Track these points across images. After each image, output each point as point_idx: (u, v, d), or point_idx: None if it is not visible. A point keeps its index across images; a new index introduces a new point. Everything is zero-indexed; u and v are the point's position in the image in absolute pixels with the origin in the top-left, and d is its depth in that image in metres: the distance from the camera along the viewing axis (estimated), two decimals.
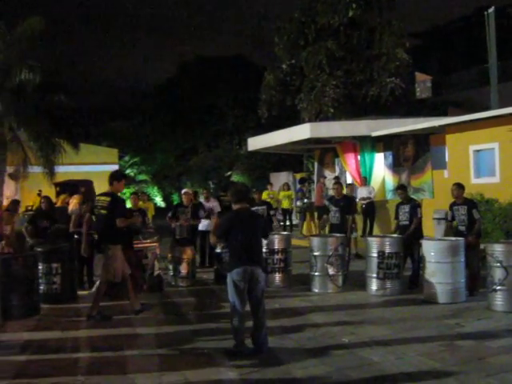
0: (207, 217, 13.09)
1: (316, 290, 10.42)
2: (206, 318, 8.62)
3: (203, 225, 13.50)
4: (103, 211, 8.57)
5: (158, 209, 33.76)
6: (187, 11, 78.49)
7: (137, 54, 71.24)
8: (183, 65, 42.76)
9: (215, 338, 7.42)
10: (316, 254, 10.52)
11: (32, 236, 11.25)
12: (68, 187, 18.73)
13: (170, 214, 12.27)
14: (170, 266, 11.66)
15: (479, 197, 13.06)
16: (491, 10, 19.07)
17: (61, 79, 25.95)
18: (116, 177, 8.84)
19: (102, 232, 8.81)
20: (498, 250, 8.60)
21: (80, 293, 10.59)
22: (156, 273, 10.98)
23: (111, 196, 8.67)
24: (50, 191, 21.43)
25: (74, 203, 12.57)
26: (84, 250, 10.09)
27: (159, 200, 39.97)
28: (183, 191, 12.87)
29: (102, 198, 8.71)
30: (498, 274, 8.51)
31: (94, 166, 27.99)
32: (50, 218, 11.49)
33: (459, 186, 10.10)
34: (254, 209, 10.89)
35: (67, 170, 23.14)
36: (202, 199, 15.03)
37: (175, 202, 22.99)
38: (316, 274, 10.49)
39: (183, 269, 11.45)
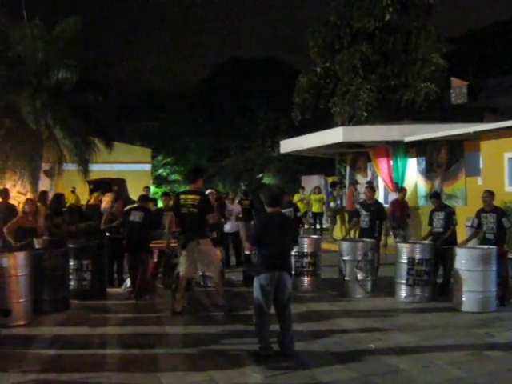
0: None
1: (344, 295, 10.36)
2: (233, 320, 8.64)
3: (231, 227, 13.58)
4: (194, 210, 8.86)
5: None
6: (223, 11, 78.83)
7: (172, 54, 71.82)
8: (217, 66, 42.96)
9: (242, 339, 7.45)
10: (345, 258, 10.48)
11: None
12: (101, 185, 18.93)
13: None
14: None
15: (510, 204, 12.85)
16: None
17: (97, 78, 26.24)
18: (200, 173, 9.27)
19: (194, 229, 8.97)
20: None
21: (109, 290, 10.72)
22: None
23: (200, 194, 9.10)
24: (83, 189, 21.77)
25: (106, 201, 12.72)
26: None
27: None
28: (207, 192, 12.86)
29: (191, 196, 8.95)
30: None
31: (127, 164, 28.22)
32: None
33: (491, 193, 9.97)
34: (283, 211, 10.87)
35: (101, 169, 23.39)
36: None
37: None
38: (345, 278, 10.45)
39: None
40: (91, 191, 20.12)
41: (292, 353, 6.71)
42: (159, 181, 36.86)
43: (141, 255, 10.20)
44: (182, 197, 9.00)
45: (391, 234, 14.60)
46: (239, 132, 37.02)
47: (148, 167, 31.56)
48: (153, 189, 31.05)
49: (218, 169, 36.65)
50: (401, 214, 15.38)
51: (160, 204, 13.61)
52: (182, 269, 8.98)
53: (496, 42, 32.01)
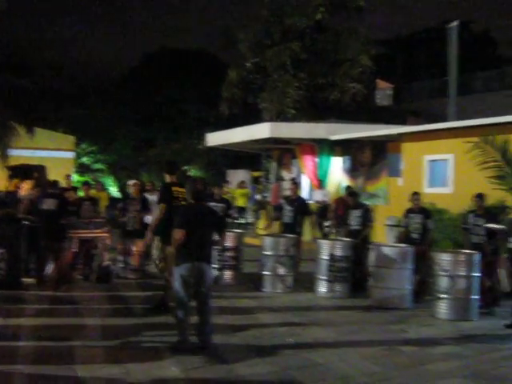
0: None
1: (265, 290, 10.44)
2: (152, 312, 8.52)
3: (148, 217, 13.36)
4: (183, 203, 8.56)
5: (112, 199, 33.31)
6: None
7: (101, 41, 70.17)
8: (147, 55, 42.29)
9: (161, 332, 7.36)
10: (267, 253, 10.55)
11: None
12: (21, 171, 18.30)
13: (120, 205, 12.11)
14: (120, 258, 11.52)
15: (431, 206, 13.26)
16: (454, 24, 19.43)
17: (19, 61, 25.31)
18: (177, 167, 9.24)
19: None
20: (444, 259, 8.78)
21: (25, 280, 10.37)
22: (105, 264, 10.84)
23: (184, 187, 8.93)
24: (1, 174, 20.97)
25: (25, 188, 12.31)
26: None
27: (114, 190, 39.48)
28: (131, 182, 12.60)
29: (180, 189, 8.69)
30: (443, 282, 8.69)
31: (50, 151, 27.35)
32: None
33: (419, 195, 10.31)
34: (211, 204, 10.81)
35: (21, 154, 22.63)
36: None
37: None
38: (266, 273, 10.52)
39: (133, 261, 11.33)
40: (10, 177, 19.42)
41: (211, 346, 6.69)
42: (82, 169, 35.97)
43: (57, 244, 9.92)
44: (174, 189, 8.69)
45: (326, 230, 14.79)
46: (167, 123, 36.60)
47: (71, 155, 30.73)
48: (75, 177, 30.29)
49: (143, 159, 36.11)
50: (343, 212, 15.60)
51: (81, 193, 13.26)
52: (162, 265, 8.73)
53: (422, 48, 33.00)
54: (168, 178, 8.78)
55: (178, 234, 6.65)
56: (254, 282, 10.85)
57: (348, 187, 12.70)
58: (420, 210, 10.26)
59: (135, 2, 76.02)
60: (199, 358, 6.36)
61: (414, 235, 10.15)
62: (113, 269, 11.12)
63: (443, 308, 8.71)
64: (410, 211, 10.34)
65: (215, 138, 22.17)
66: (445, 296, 8.68)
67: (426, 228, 10.06)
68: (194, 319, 6.77)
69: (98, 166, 37.79)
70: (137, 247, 11.33)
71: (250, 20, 23.79)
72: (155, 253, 8.98)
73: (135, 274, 11.31)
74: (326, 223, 15.09)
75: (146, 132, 37.45)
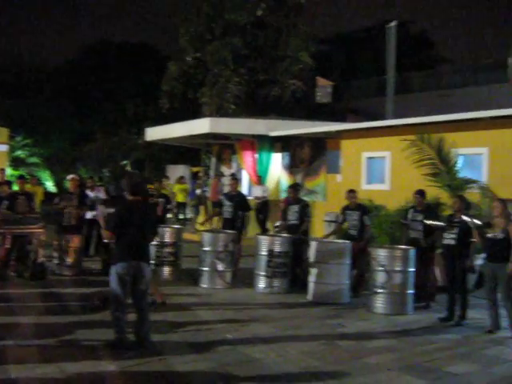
0: (91, 207, 12.66)
1: (204, 286, 10.38)
2: (88, 309, 8.35)
3: (90, 213, 13.06)
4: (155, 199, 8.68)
5: (48, 194, 32.49)
6: None
7: (39, 32, 68.18)
8: (86, 47, 41.41)
9: (97, 330, 7.19)
10: (206, 249, 10.50)
11: None
12: None
13: (56, 200, 11.82)
14: (56, 254, 11.23)
15: (369, 202, 13.47)
16: (393, 24, 19.80)
17: None
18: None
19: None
20: (381, 254, 8.93)
21: None
22: (39, 260, 10.55)
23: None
24: None
25: None
26: None
27: (50, 185, 38.56)
28: (69, 177, 12.30)
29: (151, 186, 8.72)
30: (380, 277, 8.84)
31: None
32: None
33: (355, 192, 10.43)
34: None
35: None
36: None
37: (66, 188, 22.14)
38: (205, 269, 10.46)
39: (69, 257, 11.06)
40: None
41: (149, 343, 6.59)
42: (17, 163, 34.94)
43: None
44: (148, 187, 8.91)
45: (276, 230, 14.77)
46: (105, 117, 35.95)
47: (4, 148, 29.78)
48: (9, 171, 29.39)
49: (81, 154, 35.39)
50: None
51: (15, 187, 12.88)
52: None
53: (361, 47, 33.52)
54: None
55: (106, 235, 6.52)
56: (192, 278, 10.78)
57: (296, 184, 12.70)
58: (356, 206, 10.41)
59: None
60: (136, 355, 6.26)
61: (352, 231, 10.29)
62: (48, 265, 10.83)
63: (380, 302, 8.85)
64: (346, 208, 10.48)
65: (155, 133, 21.92)
66: (381, 291, 8.83)
67: (363, 224, 10.21)
68: (132, 316, 6.67)
69: (34, 159, 36.79)
70: (73, 243, 11.08)
71: (190, 14, 23.60)
72: None
73: (71, 271, 11.04)
74: (277, 223, 15.10)
75: (83, 125, 36.71)
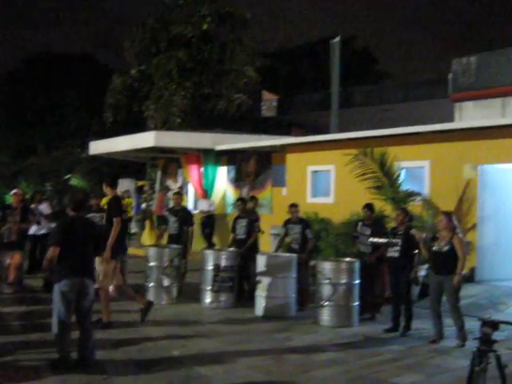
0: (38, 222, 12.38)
1: None
2: (30, 329, 8.11)
3: (33, 229, 12.75)
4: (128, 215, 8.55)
5: None
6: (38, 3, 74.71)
7: None
8: (27, 58, 40.54)
9: (39, 349, 6.99)
10: (152, 264, 10.37)
11: None
12: None
13: None
14: None
15: (314, 215, 13.59)
16: (337, 39, 20.14)
17: None
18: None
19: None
20: (326, 267, 8.99)
21: None
22: None
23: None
24: None
25: None
26: None
27: None
28: (13, 192, 12.02)
29: (125, 203, 8.82)
30: (326, 290, 8.89)
31: None
32: None
33: (297, 206, 10.47)
34: (90, 215, 10.48)
35: None
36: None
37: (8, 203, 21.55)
38: (150, 284, 10.33)
39: (9, 275, 10.73)
40: None
41: (93, 362, 6.43)
42: None
43: None
44: (124, 201, 8.82)
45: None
46: (48, 130, 35.22)
47: None
48: None
49: (22, 168, 34.55)
50: None
51: None
52: (106, 280, 8.37)
53: (305, 61, 33.94)
54: (111, 192, 8.79)
55: (53, 251, 6.33)
56: (138, 294, 10.58)
57: (252, 197, 12.67)
58: (298, 220, 10.47)
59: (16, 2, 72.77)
60: (81, 375, 6.09)
61: (294, 245, 10.34)
62: None
63: (326, 315, 8.90)
64: (288, 222, 10.53)
65: (99, 146, 21.59)
66: (327, 303, 8.88)
67: (305, 238, 10.27)
68: (75, 334, 6.50)
69: None
70: (13, 260, 10.76)
71: (136, 27, 23.42)
72: (99, 267, 8.52)
73: (11, 288, 10.72)
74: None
75: (24, 139, 35.88)
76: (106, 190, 8.77)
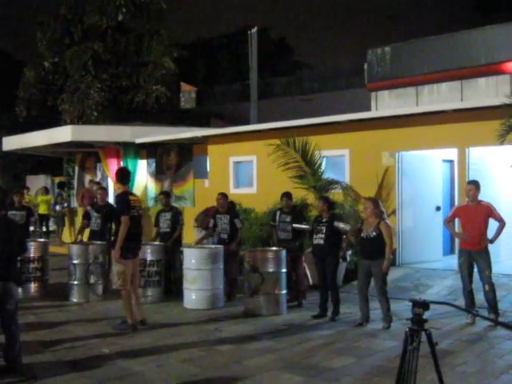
0: None
1: (75, 300, 10.04)
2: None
3: None
4: (141, 213, 8.23)
5: None
6: None
7: None
8: None
9: None
10: (75, 262, 10.13)
11: None
12: None
13: None
14: None
15: (238, 206, 13.65)
16: (254, 30, 20.22)
17: None
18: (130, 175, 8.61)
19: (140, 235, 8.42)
20: (250, 256, 9.08)
21: None
22: None
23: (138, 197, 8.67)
24: None
25: None
26: None
27: None
28: None
29: (136, 198, 8.33)
30: (254, 279, 8.95)
31: None
32: None
33: (225, 196, 10.47)
34: (11, 213, 10.13)
35: None
36: None
37: None
38: (75, 282, 10.10)
39: None
40: None
41: (21, 367, 6.20)
42: None
43: None
44: (131, 198, 8.13)
45: None
46: None
47: None
48: None
49: None
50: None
51: None
52: (122, 281, 8.04)
53: (223, 52, 33.96)
54: (121, 188, 8.34)
55: None
56: (62, 293, 10.35)
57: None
58: (226, 210, 10.48)
59: None
60: (9, 381, 5.88)
61: (223, 235, 10.34)
62: None
63: (254, 304, 8.98)
64: (216, 212, 10.53)
65: (12, 142, 20.77)
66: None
67: (233, 228, 10.29)
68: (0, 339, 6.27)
69: None
70: None
71: (47, 17, 22.67)
72: (114, 268, 8.17)
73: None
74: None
75: None
76: (116, 185, 8.44)
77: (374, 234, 8.08)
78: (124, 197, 8.16)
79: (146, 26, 22.51)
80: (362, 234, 8.21)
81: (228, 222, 10.28)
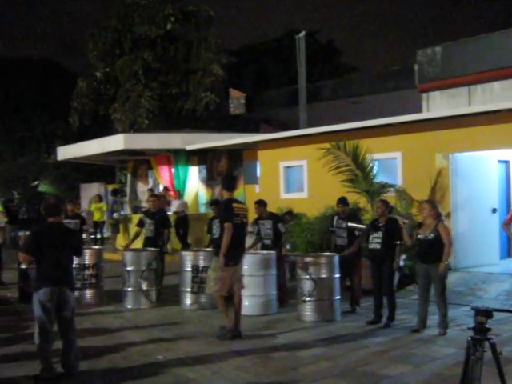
0: None
1: (129, 307, 10.12)
2: (9, 341, 7.92)
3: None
4: (245, 220, 8.18)
5: None
6: None
7: None
8: None
9: (20, 362, 6.82)
10: (129, 268, 10.23)
11: None
12: None
13: None
14: None
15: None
16: (301, 34, 20.15)
17: None
18: (236, 182, 8.69)
19: (243, 243, 8.36)
20: (306, 262, 8.97)
21: None
22: None
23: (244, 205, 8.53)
24: None
25: None
26: None
27: None
28: None
29: (241, 206, 8.24)
30: (306, 285, 8.87)
31: None
32: None
33: (262, 204, 10.39)
34: (65, 222, 10.30)
35: None
36: None
37: None
38: (129, 289, 10.19)
39: None
40: None
41: (77, 373, 6.30)
42: None
43: None
44: (235, 205, 8.03)
45: None
46: (12, 136, 34.61)
47: None
48: None
49: None
50: None
51: None
52: (218, 287, 7.99)
53: (272, 57, 33.98)
54: (226, 195, 8.27)
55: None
56: (116, 299, 10.47)
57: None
58: (268, 216, 10.40)
59: None
60: None
61: (267, 241, 10.28)
62: None
63: (308, 310, 8.89)
64: (258, 218, 10.47)
65: (67, 152, 21.29)
66: (308, 299, 8.87)
67: (278, 233, 10.21)
68: (58, 344, 6.36)
69: None
70: None
71: (98, 29, 23.14)
72: (211, 274, 8.15)
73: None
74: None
75: None
76: (222, 192, 8.46)
77: (432, 235, 7.89)
78: (228, 204, 8.07)
79: (195, 33, 22.73)
80: (420, 236, 8.02)
81: (271, 228, 10.21)
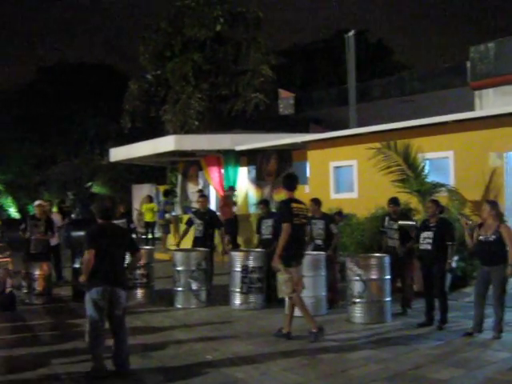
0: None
1: (179, 306, 10.21)
2: (62, 339, 8.10)
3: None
4: (304, 221, 8.12)
5: (11, 221, 31.85)
6: (46, 12, 75.13)
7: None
8: (43, 69, 40.85)
9: (73, 359, 6.97)
10: (179, 268, 10.33)
11: None
12: None
13: (22, 226, 11.56)
14: (24, 283, 10.92)
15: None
16: (351, 33, 19.96)
17: None
18: (297, 181, 8.36)
19: (304, 243, 8.39)
20: (356, 263, 8.87)
21: None
22: (8, 290, 10.21)
23: (305, 204, 8.33)
24: None
25: None
26: None
27: (13, 211, 37.87)
28: (36, 203, 12.13)
29: (302, 206, 8.11)
30: (356, 287, 8.78)
31: None
32: None
33: (316, 202, 10.31)
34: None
35: None
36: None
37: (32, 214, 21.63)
38: (179, 289, 10.29)
39: (38, 285, 10.77)
40: None
41: (128, 371, 6.39)
42: None
43: None
44: (294, 205, 7.96)
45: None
46: (67, 138, 35.47)
47: None
48: None
49: (43, 178, 34.82)
50: None
51: None
52: (290, 288, 7.88)
53: (321, 57, 33.81)
54: (287, 194, 8.21)
55: (89, 255, 6.31)
56: (167, 299, 10.58)
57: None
58: (321, 216, 10.32)
59: (26, 15, 73.32)
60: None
61: (318, 241, 10.19)
62: (17, 295, 10.51)
63: (358, 312, 8.80)
64: (311, 218, 10.38)
65: (119, 153, 21.66)
66: (358, 300, 8.78)
67: (330, 233, 10.13)
68: (109, 342, 6.46)
69: None
70: (41, 270, 10.81)
71: (149, 32, 23.49)
72: (280, 277, 7.98)
73: (41, 299, 10.75)
74: None
75: (44, 149, 36.17)
76: (282, 191, 8.39)
77: (494, 237, 7.66)
78: (287, 204, 7.93)
79: (243, 34, 22.80)
80: (481, 237, 7.80)
81: (323, 228, 10.12)
